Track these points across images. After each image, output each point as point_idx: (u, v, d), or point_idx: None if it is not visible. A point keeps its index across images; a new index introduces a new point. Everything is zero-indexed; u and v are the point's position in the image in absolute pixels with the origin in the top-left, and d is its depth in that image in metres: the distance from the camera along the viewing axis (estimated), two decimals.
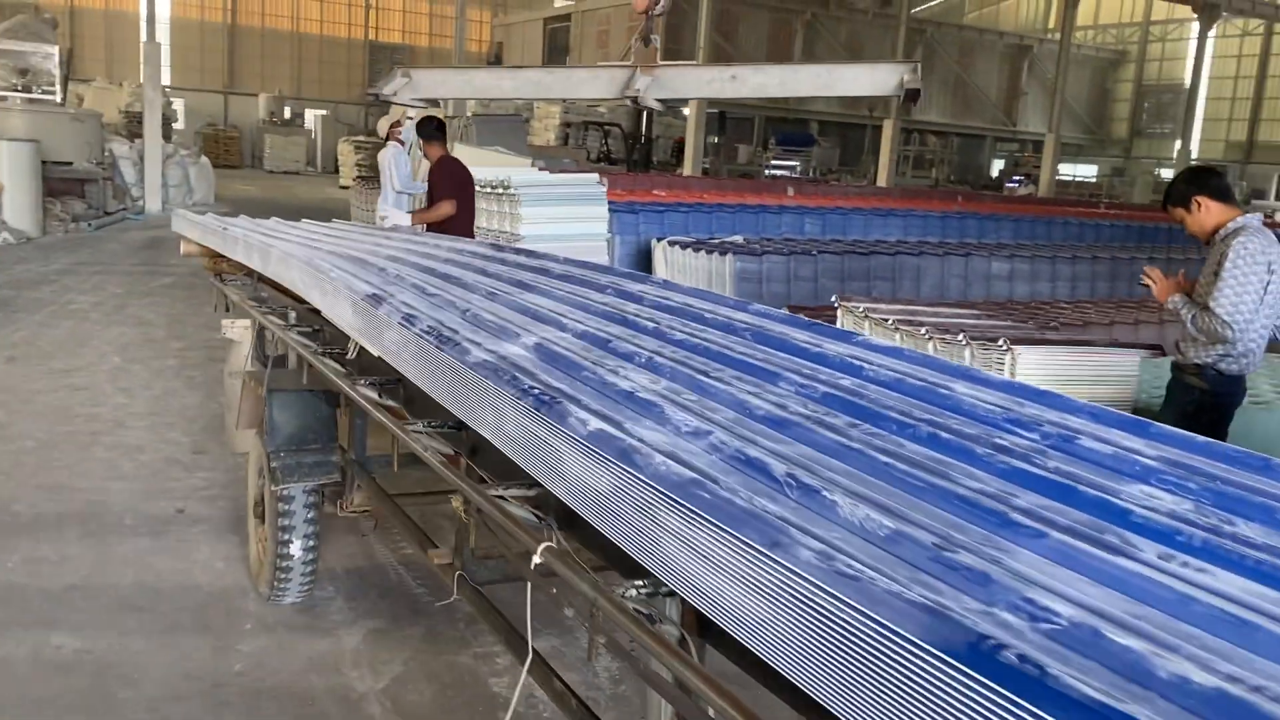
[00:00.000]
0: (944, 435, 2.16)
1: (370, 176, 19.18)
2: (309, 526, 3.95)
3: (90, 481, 5.53)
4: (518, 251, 5.15)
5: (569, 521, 2.27)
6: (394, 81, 8.31)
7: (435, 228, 7.05)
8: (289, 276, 4.21)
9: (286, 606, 4.15)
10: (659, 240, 8.60)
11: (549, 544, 1.87)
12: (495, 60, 36.40)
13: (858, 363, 2.75)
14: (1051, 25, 39.57)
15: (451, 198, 7.24)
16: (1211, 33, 29.92)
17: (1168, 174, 34.29)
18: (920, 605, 1.26)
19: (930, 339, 4.81)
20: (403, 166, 9.74)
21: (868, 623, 1.24)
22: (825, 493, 1.72)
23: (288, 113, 38.51)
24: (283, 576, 4.00)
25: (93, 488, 5.45)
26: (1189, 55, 34.63)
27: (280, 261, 4.33)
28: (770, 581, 1.41)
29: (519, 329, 2.93)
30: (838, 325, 5.28)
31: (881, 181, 26.13)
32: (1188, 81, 32.05)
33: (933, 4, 37.39)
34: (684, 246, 8.36)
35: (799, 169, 29.15)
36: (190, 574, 4.48)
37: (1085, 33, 37.82)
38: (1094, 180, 38.19)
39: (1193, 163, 30.23)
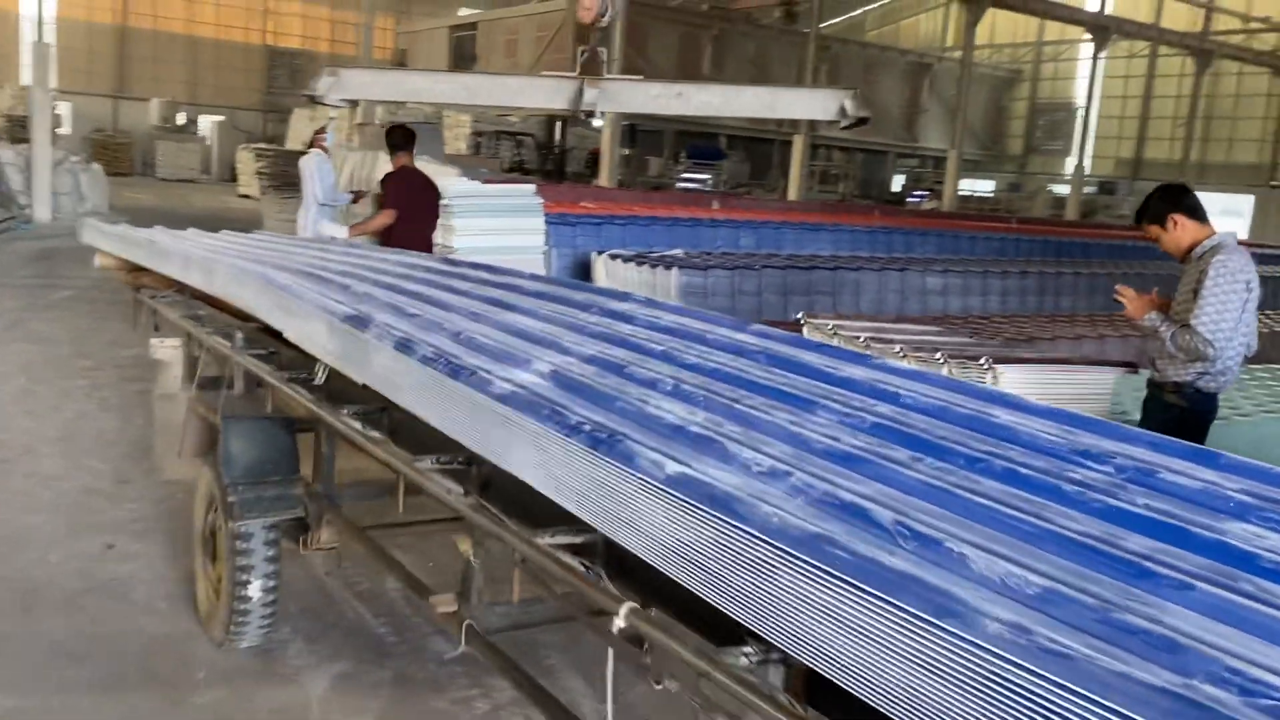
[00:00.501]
0: (1021, 471, 2.03)
1: (280, 185, 18.53)
2: (269, 565, 3.65)
3: (4, 514, 5.09)
4: (474, 266, 4.91)
5: (620, 569, 2.08)
6: (322, 80, 7.99)
7: (380, 239, 6.74)
8: (242, 294, 3.90)
9: (241, 651, 3.83)
10: (599, 254, 8.41)
11: (633, 604, 1.66)
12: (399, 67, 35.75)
13: (889, 388, 2.61)
14: (950, 43, 40.63)
15: (394, 208, 6.93)
16: (1102, 54, 30.97)
17: (1061, 189, 35.35)
18: (1160, 690, 1.10)
19: (905, 357, 4.73)
20: (326, 176, 9.34)
21: (1098, 711, 1.08)
22: (947, 544, 1.56)
23: (182, 118, 37.15)
24: (240, 619, 3.68)
25: (7, 521, 5.00)
26: (1079, 75, 35.84)
27: (230, 278, 4.02)
28: (947, 658, 1.24)
29: (523, 354, 2.72)
30: None
31: (792, 195, 26.35)
32: (1079, 100, 33.13)
33: (836, 21, 38.01)
34: (625, 260, 8.19)
35: (710, 182, 29.20)
36: (130, 617, 4.10)
37: (982, 51, 38.87)
38: (992, 195, 39.22)
39: (1086, 178, 31.36)
